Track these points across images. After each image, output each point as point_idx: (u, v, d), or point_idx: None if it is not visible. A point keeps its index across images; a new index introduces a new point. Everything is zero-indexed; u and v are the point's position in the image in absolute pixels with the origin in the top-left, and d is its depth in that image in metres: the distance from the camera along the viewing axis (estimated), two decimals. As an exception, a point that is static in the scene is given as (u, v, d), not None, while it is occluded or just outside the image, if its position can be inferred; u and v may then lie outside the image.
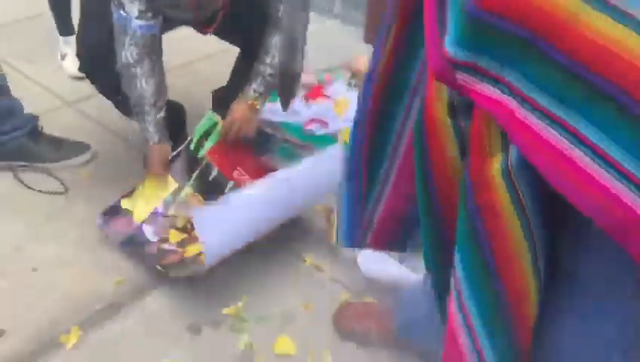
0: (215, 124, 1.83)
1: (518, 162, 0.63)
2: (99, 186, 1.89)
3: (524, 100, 0.60)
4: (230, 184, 1.80)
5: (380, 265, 1.61)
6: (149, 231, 1.68)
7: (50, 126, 2.07)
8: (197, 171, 1.79)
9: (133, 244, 1.67)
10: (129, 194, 1.74)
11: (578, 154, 0.57)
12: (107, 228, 1.69)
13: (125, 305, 1.55)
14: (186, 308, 1.55)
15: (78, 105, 2.28)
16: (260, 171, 1.77)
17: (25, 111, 1.99)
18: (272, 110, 2.19)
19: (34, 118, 2.00)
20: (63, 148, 2.00)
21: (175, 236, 1.67)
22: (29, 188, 1.89)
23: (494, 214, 0.67)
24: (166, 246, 1.65)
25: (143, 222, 1.69)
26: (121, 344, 1.45)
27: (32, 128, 1.97)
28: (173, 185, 1.75)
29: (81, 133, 2.10)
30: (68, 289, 1.57)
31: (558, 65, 0.57)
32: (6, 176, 1.92)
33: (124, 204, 1.72)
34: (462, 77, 0.63)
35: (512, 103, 0.61)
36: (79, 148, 2.01)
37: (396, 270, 1.57)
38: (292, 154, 2.12)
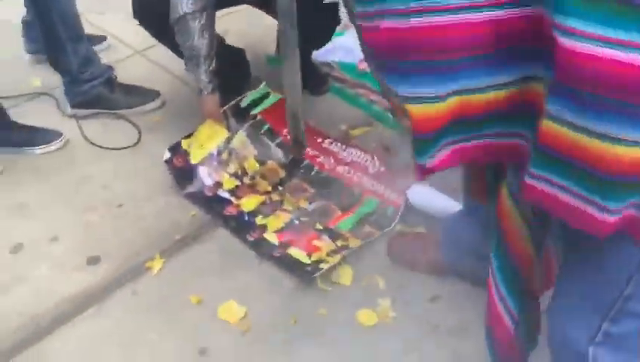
0: (267, 93, 1.99)
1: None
2: (170, 129, 2.07)
3: None
4: (278, 139, 1.95)
5: (428, 197, 1.74)
6: (204, 172, 1.85)
7: (123, 74, 2.25)
8: (249, 123, 1.95)
9: (190, 180, 1.84)
10: (188, 136, 1.90)
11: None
12: (171, 164, 1.85)
13: (200, 236, 1.74)
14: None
15: (147, 53, 2.45)
16: (311, 132, 1.92)
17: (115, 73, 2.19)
18: (328, 49, 2.29)
19: (110, 68, 2.18)
20: (136, 95, 2.18)
21: (228, 183, 1.84)
22: (103, 148, 2.09)
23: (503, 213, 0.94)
24: (220, 192, 1.83)
25: (198, 163, 1.85)
26: (198, 269, 1.65)
27: (108, 77, 2.16)
28: (225, 133, 1.90)
29: (150, 80, 2.28)
30: (150, 222, 1.78)
31: None
32: (90, 123, 2.12)
33: (184, 144, 1.89)
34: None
35: None
36: (150, 95, 2.19)
37: (443, 202, 1.69)
38: (346, 94, 2.23)
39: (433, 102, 0.72)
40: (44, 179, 1.93)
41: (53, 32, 1.98)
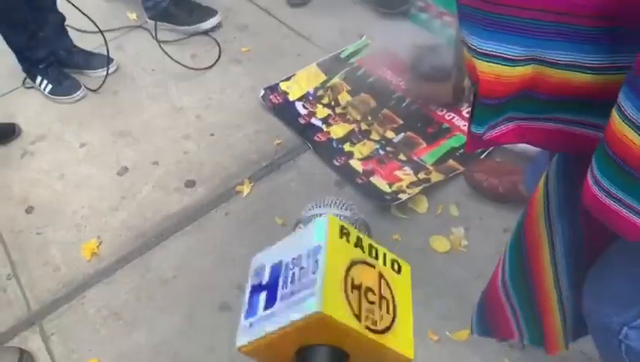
0: (367, 45, 2.11)
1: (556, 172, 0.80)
2: (258, 61, 2.17)
3: None
4: (373, 77, 2.02)
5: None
6: (300, 106, 1.99)
7: (206, 1, 2.36)
8: (346, 68, 2.06)
9: (287, 114, 1.97)
10: (287, 79, 2.05)
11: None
12: (267, 100, 2.00)
13: (284, 163, 1.87)
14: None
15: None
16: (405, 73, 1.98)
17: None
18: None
19: None
20: (196, 12, 2.32)
21: (321, 112, 1.95)
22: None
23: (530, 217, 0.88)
24: (313, 120, 1.94)
25: (296, 99, 2.00)
26: (283, 193, 1.78)
27: None
28: (323, 77, 2.05)
29: (236, 10, 2.37)
30: (239, 150, 1.92)
31: None
32: (181, 54, 2.26)
33: (283, 85, 2.04)
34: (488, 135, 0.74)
35: None
36: (209, 12, 2.32)
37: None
38: (425, 22, 2.22)
39: (509, 64, 0.61)
40: (146, 108, 2.10)
41: None
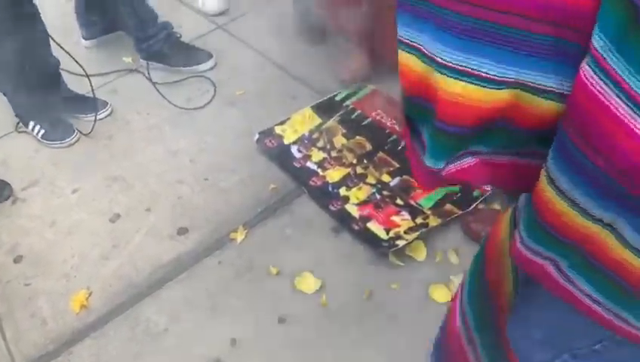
0: (361, 87, 2.11)
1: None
2: (254, 105, 2.15)
3: None
4: (367, 120, 2.01)
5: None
6: (294, 150, 1.96)
7: (203, 45, 2.37)
8: (341, 111, 2.05)
9: (282, 158, 1.94)
10: (281, 123, 2.03)
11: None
12: (262, 144, 1.97)
13: (280, 208, 1.83)
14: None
15: (229, 27, 2.52)
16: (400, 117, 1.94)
17: (178, 32, 2.34)
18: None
19: (170, 26, 2.31)
20: (191, 54, 2.32)
21: (316, 155, 1.92)
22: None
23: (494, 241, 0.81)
24: (309, 163, 1.91)
25: (291, 143, 1.98)
26: (278, 239, 1.74)
27: (169, 34, 2.30)
28: (318, 120, 2.03)
29: (233, 54, 2.36)
30: (233, 195, 1.89)
31: None
32: (175, 96, 2.24)
33: (277, 129, 2.02)
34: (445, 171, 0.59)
35: None
36: (204, 56, 2.31)
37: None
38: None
39: (490, 86, 0.48)
40: (140, 152, 2.07)
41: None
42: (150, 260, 1.73)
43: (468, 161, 0.57)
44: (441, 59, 0.48)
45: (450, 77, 0.48)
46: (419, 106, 0.54)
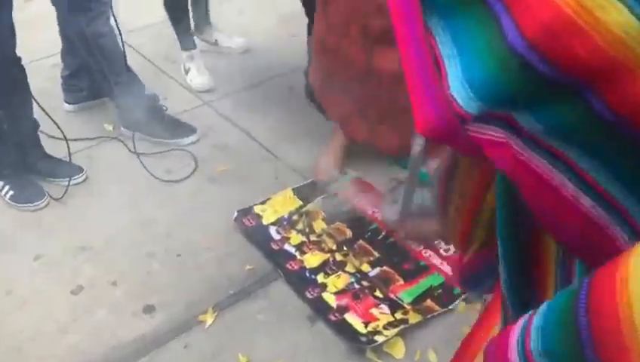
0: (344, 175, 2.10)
1: None
2: (235, 182, 2.12)
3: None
4: (349, 207, 1.99)
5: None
6: (273, 231, 1.91)
7: (187, 120, 2.35)
8: (323, 195, 2.02)
9: (259, 238, 1.88)
10: (262, 203, 1.99)
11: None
12: (240, 222, 1.92)
13: (254, 291, 1.75)
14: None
15: (214, 104, 2.53)
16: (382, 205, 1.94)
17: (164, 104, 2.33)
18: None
19: (157, 98, 2.30)
20: (175, 128, 2.29)
21: (295, 238, 1.88)
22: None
23: None
24: (287, 246, 1.86)
25: (270, 223, 1.93)
26: (249, 325, 1.65)
27: (155, 106, 2.28)
28: (299, 202, 1.99)
29: (215, 130, 2.35)
30: (206, 274, 1.81)
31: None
32: (155, 167, 2.19)
33: (257, 208, 1.97)
34: (473, 128, 0.45)
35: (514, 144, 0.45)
36: (188, 130, 2.30)
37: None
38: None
39: None
40: (112, 221, 1.99)
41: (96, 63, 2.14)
42: (111, 338, 1.62)
43: (499, 135, 0.44)
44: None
45: None
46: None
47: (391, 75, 1.73)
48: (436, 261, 1.80)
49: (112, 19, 2.10)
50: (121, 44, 2.14)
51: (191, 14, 2.67)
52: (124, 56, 2.17)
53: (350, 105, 1.93)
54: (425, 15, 0.43)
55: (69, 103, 2.45)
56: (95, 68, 2.17)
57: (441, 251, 1.82)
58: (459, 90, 0.41)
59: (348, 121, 1.99)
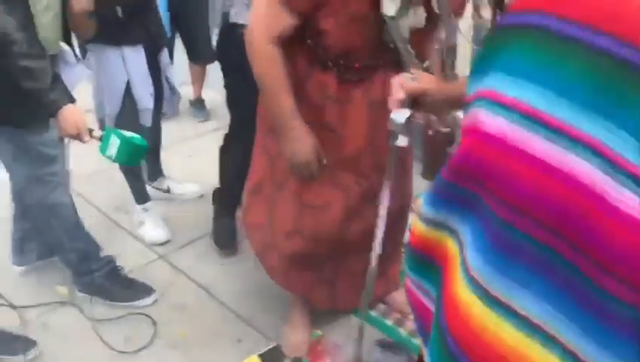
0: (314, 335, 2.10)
1: None
2: (195, 347, 2.09)
3: None
4: None
5: None
6: None
7: (143, 277, 2.33)
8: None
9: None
10: None
11: None
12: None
13: None
14: None
15: (169, 257, 2.52)
16: None
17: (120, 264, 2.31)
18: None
19: (114, 259, 2.28)
20: (132, 289, 2.26)
21: None
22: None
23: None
24: None
25: None
26: None
27: (112, 269, 2.26)
28: None
29: (173, 287, 2.34)
30: None
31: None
32: (114, 335, 2.13)
33: None
34: None
35: None
36: (144, 290, 2.27)
37: None
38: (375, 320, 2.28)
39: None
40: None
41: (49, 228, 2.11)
42: None
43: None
44: None
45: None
46: None
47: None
48: None
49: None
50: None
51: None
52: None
53: (312, 279, 1.98)
54: None
55: (18, 266, 2.38)
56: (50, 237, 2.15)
57: None
58: None
59: (310, 294, 2.03)
